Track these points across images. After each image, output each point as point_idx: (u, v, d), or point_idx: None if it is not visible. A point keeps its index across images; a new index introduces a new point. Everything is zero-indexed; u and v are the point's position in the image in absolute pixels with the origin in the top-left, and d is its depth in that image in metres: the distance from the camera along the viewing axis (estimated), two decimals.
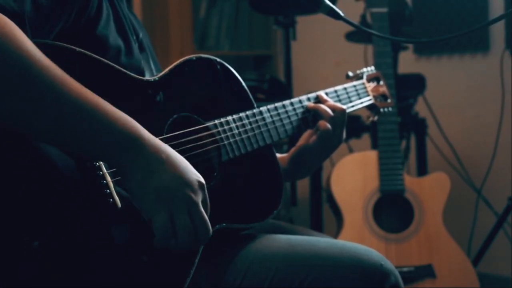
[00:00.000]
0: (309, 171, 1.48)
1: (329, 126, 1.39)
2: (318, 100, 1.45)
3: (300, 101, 1.42)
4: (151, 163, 1.00)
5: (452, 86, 3.22)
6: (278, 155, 1.45)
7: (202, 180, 1.05)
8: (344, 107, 1.43)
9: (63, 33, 1.07)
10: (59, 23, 1.05)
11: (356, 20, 2.78)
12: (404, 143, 2.87)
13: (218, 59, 1.29)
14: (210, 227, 1.05)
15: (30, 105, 0.92)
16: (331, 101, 1.44)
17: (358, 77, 1.62)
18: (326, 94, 1.47)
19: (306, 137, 1.43)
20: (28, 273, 0.96)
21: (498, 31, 3.03)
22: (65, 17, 1.06)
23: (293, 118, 1.39)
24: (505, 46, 3.00)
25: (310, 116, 1.42)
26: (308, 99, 1.44)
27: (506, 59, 2.98)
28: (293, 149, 1.45)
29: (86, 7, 1.09)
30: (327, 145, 1.41)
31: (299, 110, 1.41)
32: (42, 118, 0.94)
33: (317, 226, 2.82)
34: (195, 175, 1.04)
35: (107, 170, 1.03)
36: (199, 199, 1.03)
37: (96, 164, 1.03)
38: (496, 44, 3.05)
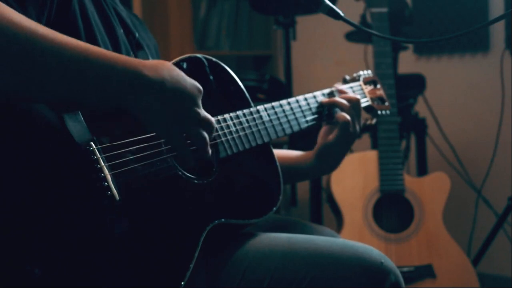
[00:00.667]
0: (337, 164, 1.52)
1: (347, 116, 1.44)
2: (333, 94, 1.50)
3: (297, 101, 1.43)
4: (161, 92, 1.04)
5: (452, 86, 3.22)
6: (298, 152, 1.52)
7: (199, 86, 1.10)
8: (358, 96, 1.48)
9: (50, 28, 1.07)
10: (43, 14, 1.05)
11: (356, 20, 2.78)
12: (404, 143, 2.87)
13: (214, 59, 1.30)
14: (214, 121, 1.13)
15: (27, 68, 0.93)
16: (349, 92, 1.49)
17: (355, 80, 1.63)
18: (323, 94, 1.49)
19: (324, 134, 1.48)
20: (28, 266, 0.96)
21: (498, 31, 3.03)
22: (47, 7, 1.06)
23: (291, 118, 1.41)
24: (505, 46, 3.00)
25: (325, 111, 1.47)
26: (305, 99, 1.45)
27: (506, 59, 2.99)
28: (318, 146, 1.49)
29: (69, 2, 1.10)
30: (349, 136, 1.45)
31: (297, 110, 1.42)
32: (46, 80, 0.94)
33: None
34: (194, 85, 1.09)
35: (104, 163, 1.04)
36: (200, 106, 1.10)
37: (93, 157, 1.03)
38: (496, 44, 3.06)
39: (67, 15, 1.10)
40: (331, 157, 1.49)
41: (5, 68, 0.91)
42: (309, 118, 1.44)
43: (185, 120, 1.08)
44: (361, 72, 1.65)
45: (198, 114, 1.10)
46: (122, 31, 1.26)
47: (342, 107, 1.45)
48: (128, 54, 1.23)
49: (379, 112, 1.63)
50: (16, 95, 0.95)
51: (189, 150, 1.11)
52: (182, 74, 1.09)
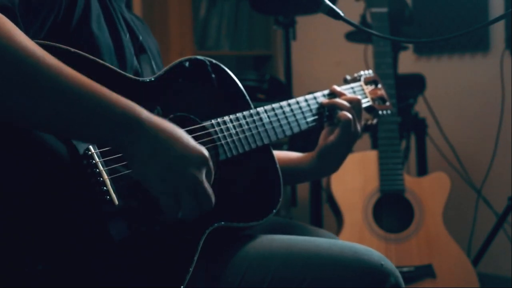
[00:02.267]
0: (338, 165, 1.51)
1: (349, 115, 1.43)
2: (332, 94, 1.49)
3: (298, 102, 1.43)
4: (152, 142, 1.00)
5: (452, 86, 3.22)
6: (298, 154, 1.51)
7: (206, 153, 1.05)
8: (358, 97, 1.47)
9: (55, 33, 1.07)
10: (49, 18, 1.05)
11: (356, 20, 2.78)
12: (404, 143, 2.87)
13: (214, 61, 1.30)
14: (213, 200, 1.07)
15: (29, 96, 0.93)
16: (346, 94, 1.48)
17: (356, 80, 1.62)
18: (324, 95, 1.48)
19: (325, 135, 1.47)
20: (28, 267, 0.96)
21: (498, 31, 3.03)
22: (55, 12, 1.06)
23: (291, 119, 1.40)
24: (505, 46, 3.00)
25: (326, 111, 1.46)
26: (306, 100, 1.45)
27: (506, 59, 2.98)
28: (319, 147, 1.48)
29: (74, 4, 1.09)
30: (350, 136, 1.45)
31: (297, 111, 1.42)
32: (42, 108, 0.94)
33: (317, 226, 2.82)
34: (198, 150, 1.04)
35: (103, 167, 1.04)
36: (202, 175, 1.05)
37: (92, 161, 1.03)
38: (496, 44, 3.05)
39: (72, 19, 1.10)
40: (332, 158, 1.48)
41: (8, 92, 0.91)
42: (309, 119, 1.43)
43: (177, 181, 1.02)
44: (362, 72, 1.65)
45: (196, 179, 1.03)
46: (128, 36, 1.25)
47: (342, 108, 1.45)
48: (131, 59, 1.23)
49: (380, 112, 1.62)
50: (9, 118, 0.95)
51: (174, 211, 1.04)
52: (189, 139, 1.05)
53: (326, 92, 1.49)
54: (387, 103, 1.65)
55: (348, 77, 1.63)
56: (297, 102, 1.42)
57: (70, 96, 0.95)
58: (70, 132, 0.98)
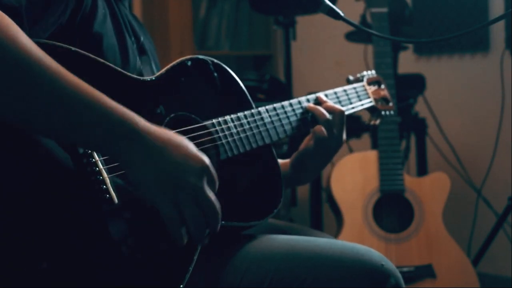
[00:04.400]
0: (312, 175, 1.46)
1: (323, 129, 1.37)
2: (318, 101, 1.44)
3: (299, 102, 1.41)
4: (148, 151, 0.99)
5: (452, 86, 3.22)
6: (281, 161, 1.44)
7: (206, 160, 1.03)
8: (342, 108, 1.41)
9: (59, 32, 1.07)
10: (54, 18, 1.05)
11: (356, 20, 2.78)
12: (404, 143, 2.87)
13: (216, 60, 1.29)
14: (219, 209, 1.04)
15: (26, 98, 0.93)
16: (329, 102, 1.42)
17: (359, 80, 1.61)
18: (326, 96, 1.46)
19: (306, 141, 1.41)
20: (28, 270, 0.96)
21: (498, 31, 3.03)
22: (60, 12, 1.06)
23: (292, 119, 1.38)
24: (505, 46, 3.00)
25: (309, 117, 1.41)
26: (308, 100, 1.43)
27: (506, 59, 2.98)
28: (294, 154, 1.43)
29: (81, 4, 1.09)
30: (325, 148, 1.39)
31: (299, 111, 1.40)
32: (39, 110, 0.94)
33: (317, 226, 2.82)
34: (198, 158, 1.03)
35: (103, 165, 1.04)
36: (203, 183, 1.02)
37: (92, 159, 1.03)
38: (496, 44, 3.05)
39: (77, 19, 1.10)
40: (307, 167, 1.42)
41: (6, 93, 0.91)
42: (294, 125, 1.38)
43: (176, 188, 1.00)
44: (364, 73, 1.64)
45: (198, 188, 1.01)
46: (133, 38, 1.25)
47: (319, 117, 1.38)
48: (135, 60, 1.23)
49: (383, 112, 1.61)
50: (6, 119, 0.95)
51: (177, 225, 1.01)
52: (191, 146, 1.03)
53: (311, 96, 1.44)
54: (390, 104, 1.63)
55: (351, 78, 1.62)
56: (299, 102, 1.41)
57: (67, 100, 0.95)
58: (66, 136, 0.98)
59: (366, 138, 2.93)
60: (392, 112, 1.63)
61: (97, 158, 1.03)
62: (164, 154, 1.00)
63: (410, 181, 2.46)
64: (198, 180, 1.02)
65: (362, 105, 1.55)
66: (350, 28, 2.79)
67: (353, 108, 1.52)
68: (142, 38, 1.32)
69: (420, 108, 2.94)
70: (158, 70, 1.36)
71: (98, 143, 0.98)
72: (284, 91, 2.71)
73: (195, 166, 1.02)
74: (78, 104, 0.95)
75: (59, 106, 0.94)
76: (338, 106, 1.42)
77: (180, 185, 1.00)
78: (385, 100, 1.63)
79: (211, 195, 1.03)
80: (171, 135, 1.03)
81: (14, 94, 0.92)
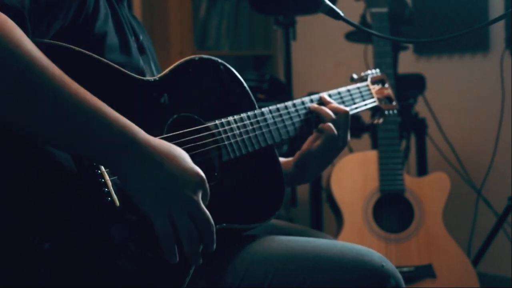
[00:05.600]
0: (315, 175, 1.47)
1: (334, 129, 1.37)
2: (321, 102, 1.44)
3: (303, 103, 1.41)
4: (147, 163, 1.00)
5: (452, 86, 3.22)
6: (282, 159, 1.45)
7: (202, 175, 1.04)
8: (347, 109, 1.42)
9: (62, 32, 1.07)
10: (58, 19, 1.05)
11: (356, 20, 2.78)
12: (404, 143, 2.87)
13: (220, 60, 1.29)
14: (213, 223, 1.05)
15: (29, 105, 0.93)
16: (334, 103, 1.42)
17: (363, 79, 1.61)
18: (330, 96, 1.46)
19: (310, 141, 1.41)
20: (31, 274, 0.96)
21: (498, 31, 3.03)
22: (64, 12, 1.06)
23: (296, 120, 1.38)
24: (505, 46, 3.00)
25: (313, 118, 1.41)
26: (311, 101, 1.43)
27: (506, 59, 2.98)
28: (297, 154, 1.43)
29: (84, 4, 1.09)
30: (332, 148, 1.39)
31: (302, 112, 1.40)
32: (40, 118, 0.94)
33: (317, 226, 2.82)
34: (194, 172, 1.04)
35: (105, 169, 1.03)
36: (198, 196, 1.03)
37: (94, 163, 1.03)
38: (496, 44, 3.05)
39: (79, 19, 1.09)
40: (311, 167, 1.43)
41: (9, 98, 0.91)
42: (297, 125, 1.39)
43: (171, 200, 1.01)
44: (368, 72, 1.63)
45: (190, 200, 1.02)
46: (133, 37, 1.25)
47: (325, 117, 1.39)
48: (138, 60, 1.22)
49: (386, 112, 1.61)
50: (8, 124, 0.95)
51: (170, 239, 1.02)
52: (188, 160, 1.04)
53: (315, 97, 1.44)
54: (394, 103, 1.63)
55: (355, 76, 1.61)
56: (303, 103, 1.41)
57: (69, 109, 0.95)
58: (65, 145, 0.98)
59: (366, 138, 2.92)
60: (395, 112, 1.63)
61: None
62: (162, 166, 1.00)
63: (410, 181, 2.45)
64: (194, 193, 1.02)
65: (365, 105, 1.55)
66: (350, 28, 2.79)
67: (356, 108, 1.52)
68: (141, 37, 1.32)
69: (420, 108, 2.94)
70: (157, 69, 1.36)
71: (98, 153, 0.99)
72: (284, 91, 2.71)
73: (192, 179, 1.03)
74: (80, 114, 0.95)
75: (60, 115, 0.94)
76: (342, 106, 1.42)
77: (175, 198, 1.01)
78: (388, 99, 1.63)
79: (204, 209, 1.04)
80: (169, 147, 1.03)
81: (15, 101, 0.92)
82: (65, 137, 0.96)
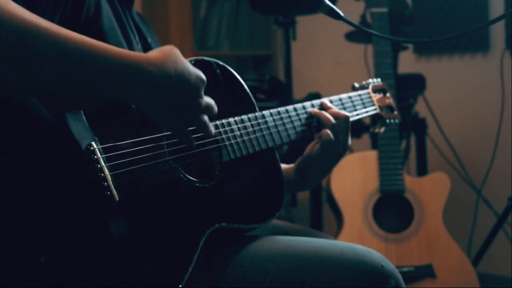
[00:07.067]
0: (316, 181, 1.47)
1: (331, 134, 1.38)
2: (322, 107, 1.44)
3: (304, 107, 1.41)
4: (159, 86, 1.03)
5: (452, 86, 3.22)
6: (284, 166, 1.44)
7: (203, 77, 1.10)
8: (348, 114, 1.42)
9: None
10: (56, 15, 1.05)
11: (356, 20, 2.78)
12: (404, 143, 2.87)
13: (221, 62, 1.29)
14: (214, 104, 1.14)
15: (35, 65, 0.93)
16: (334, 108, 1.43)
17: (364, 87, 1.61)
18: (331, 101, 1.46)
19: (311, 146, 1.42)
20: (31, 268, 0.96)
21: (498, 31, 3.04)
22: (61, 8, 1.06)
23: (296, 123, 1.38)
24: (505, 46, 3.00)
25: (314, 122, 1.42)
26: (312, 106, 1.43)
27: (506, 59, 2.99)
28: (298, 159, 1.44)
29: (83, 3, 1.10)
30: (331, 153, 1.39)
31: (303, 116, 1.40)
32: (48, 73, 0.95)
33: (317, 226, 2.82)
34: (197, 78, 1.09)
35: (105, 163, 1.04)
36: (203, 94, 1.11)
37: (94, 157, 1.03)
38: (496, 44, 3.06)
39: (81, 15, 1.10)
40: (311, 172, 1.43)
41: (5, 60, 0.92)
42: (298, 129, 1.39)
43: (187, 112, 1.10)
44: (370, 80, 1.64)
45: (200, 104, 1.11)
46: (137, 38, 1.26)
47: (325, 123, 1.39)
48: None
49: (387, 120, 1.61)
50: (15, 88, 0.95)
51: (190, 137, 1.13)
52: (187, 66, 1.09)
53: (316, 102, 1.44)
54: (395, 112, 1.64)
55: (356, 85, 1.62)
56: (303, 107, 1.41)
57: (73, 56, 0.96)
58: (78, 92, 1.00)
59: (366, 138, 2.93)
60: (396, 121, 1.63)
61: (99, 155, 1.03)
62: (173, 85, 1.05)
63: (410, 181, 2.46)
64: (201, 97, 1.10)
65: (366, 112, 1.55)
66: (350, 28, 2.79)
67: (357, 114, 1.52)
68: (149, 40, 1.33)
69: (420, 108, 2.94)
70: None
71: (110, 91, 1.01)
72: (284, 91, 2.71)
73: (198, 87, 1.09)
74: (84, 57, 0.97)
75: (66, 64, 0.96)
76: (343, 111, 1.42)
77: (189, 108, 1.09)
78: (390, 108, 1.63)
79: (206, 99, 1.12)
80: (174, 58, 1.07)
81: (15, 57, 0.92)
82: (76, 84, 0.98)
